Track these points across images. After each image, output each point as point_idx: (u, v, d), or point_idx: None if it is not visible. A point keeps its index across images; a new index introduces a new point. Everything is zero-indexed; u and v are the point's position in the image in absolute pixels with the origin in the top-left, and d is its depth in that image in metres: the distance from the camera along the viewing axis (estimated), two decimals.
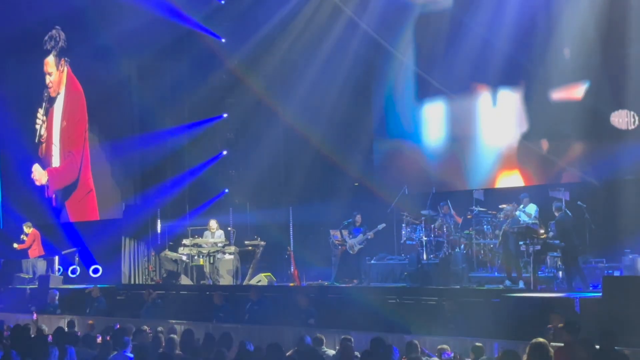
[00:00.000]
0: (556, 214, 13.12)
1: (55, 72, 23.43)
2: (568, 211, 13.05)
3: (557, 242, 13.07)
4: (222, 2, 19.87)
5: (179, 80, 20.35)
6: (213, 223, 17.90)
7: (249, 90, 20.04)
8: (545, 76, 15.40)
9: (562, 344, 8.67)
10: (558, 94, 15.30)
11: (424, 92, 17.64)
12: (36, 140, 24.02)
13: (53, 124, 23.68)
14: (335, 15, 18.14)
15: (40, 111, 23.99)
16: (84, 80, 22.62)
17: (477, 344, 9.33)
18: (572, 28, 14.80)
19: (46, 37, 23.30)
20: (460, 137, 17.10)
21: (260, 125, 20.22)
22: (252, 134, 20.48)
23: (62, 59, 23.11)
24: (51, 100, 23.71)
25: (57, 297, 17.09)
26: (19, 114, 23.93)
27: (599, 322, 9.11)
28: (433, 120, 17.66)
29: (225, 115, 20.74)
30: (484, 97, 16.62)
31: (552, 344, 8.80)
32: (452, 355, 8.54)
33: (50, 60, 23.47)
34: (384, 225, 15.81)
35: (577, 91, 14.94)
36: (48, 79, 23.71)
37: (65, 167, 23.10)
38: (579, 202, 13.53)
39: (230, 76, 20.40)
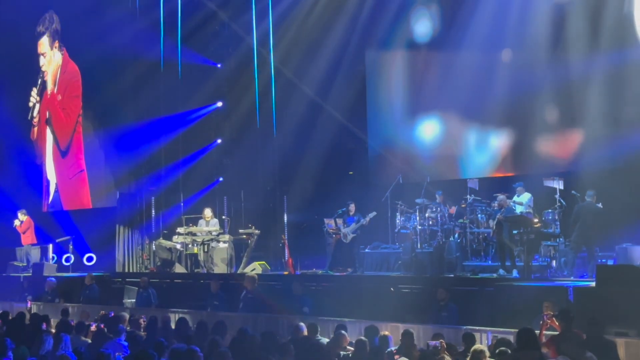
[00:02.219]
0: (587, 199, 13.02)
1: (49, 53, 23.33)
2: (592, 200, 13.01)
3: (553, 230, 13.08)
4: None
5: (174, 68, 20.34)
6: (208, 212, 17.87)
7: (243, 79, 20.03)
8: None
9: (555, 332, 8.71)
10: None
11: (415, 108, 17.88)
12: (29, 117, 23.95)
13: (47, 107, 23.67)
14: (333, 10, 18.23)
15: (35, 90, 23.88)
16: (80, 65, 22.57)
17: (468, 332, 9.36)
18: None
19: (40, 20, 23.24)
20: (454, 133, 17.21)
21: (254, 114, 20.21)
22: (246, 122, 20.46)
23: (56, 41, 23.02)
24: (45, 83, 23.65)
25: (55, 285, 17.06)
26: (11, 100, 23.90)
27: (592, 310, 9.13)
28: (427, 127, 17.82)
29: (219, 103, 20.72)
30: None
31: (545, 332, 8.88)
32: (440, 344, 8.51)
33: (44, 41, 23.39)
34: (374, 213, 15.78)
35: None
36: (42, 60, 23.61)
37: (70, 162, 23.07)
38: (573, 191, 13.55)
39: (225, 64, 20.40)
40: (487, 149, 16.66)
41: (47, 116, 23.61)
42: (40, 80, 23.76)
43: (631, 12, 14.17)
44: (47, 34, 23.24)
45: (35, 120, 24.00)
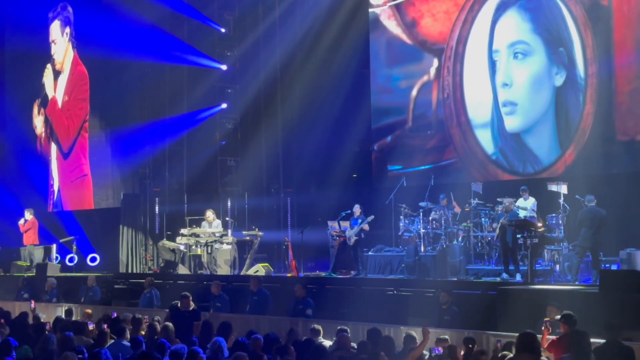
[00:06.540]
0: (588, 204, 12.94)
1: (61, 40, 23.33)
2: (594, 205, 12.95)
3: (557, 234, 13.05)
4: None
5: (179, 70, 20.41)
6: (210, 213, 17.85)
7: (248, 81, 20.08)
8: None
9: (558, 336, 8.69)
10: None
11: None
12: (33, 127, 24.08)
13: (50, 116, 23.74)
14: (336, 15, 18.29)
15: (47, 77, 23.95)
16: (88, 66, 22.63)
17: (468, 335, 9.34)
18: None
19: (52, 8, 23.39)
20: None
21: (258, 116, 20.25)
22: (250, 124, 20.49)
23: (68, 27, 23.03)
24: (56, 74, 23.69)
25: (55, 286, 17.07)
26: (17, 97, 24.05)
27: (595, 315, 9.10)
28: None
29: (224, 105, 20.75)
30: None
31: (548, 336, 8.85)
32: (442, 351, 8.44)
33: (55, 27, 23.41)
34: (372, 217, 15.74)
35: None
36: (53, 48, 23.63)
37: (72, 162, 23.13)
38: (577, 196, 13.52)
39: (230, 66, 20.45)
40: None
41: (49, 129, 23.66)
42: (50, 71, 23.76)
43: None
44: (59, 18, 23.25)
45: (39, 132, 24.08)
